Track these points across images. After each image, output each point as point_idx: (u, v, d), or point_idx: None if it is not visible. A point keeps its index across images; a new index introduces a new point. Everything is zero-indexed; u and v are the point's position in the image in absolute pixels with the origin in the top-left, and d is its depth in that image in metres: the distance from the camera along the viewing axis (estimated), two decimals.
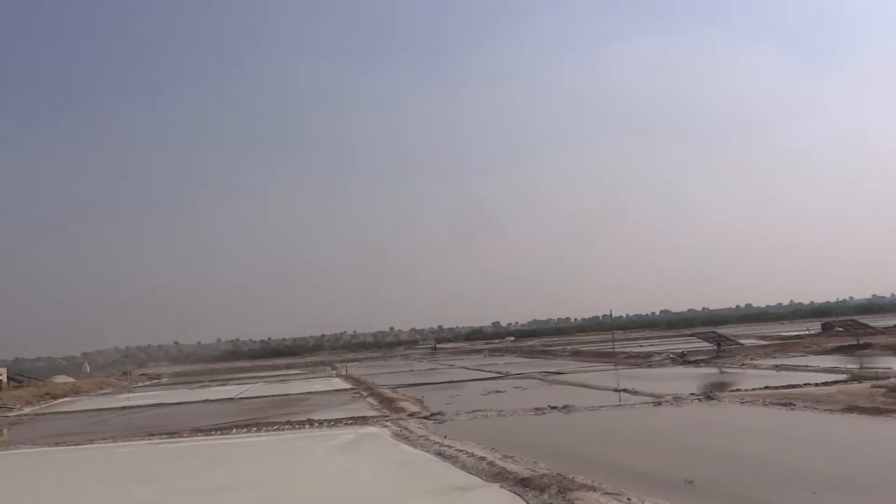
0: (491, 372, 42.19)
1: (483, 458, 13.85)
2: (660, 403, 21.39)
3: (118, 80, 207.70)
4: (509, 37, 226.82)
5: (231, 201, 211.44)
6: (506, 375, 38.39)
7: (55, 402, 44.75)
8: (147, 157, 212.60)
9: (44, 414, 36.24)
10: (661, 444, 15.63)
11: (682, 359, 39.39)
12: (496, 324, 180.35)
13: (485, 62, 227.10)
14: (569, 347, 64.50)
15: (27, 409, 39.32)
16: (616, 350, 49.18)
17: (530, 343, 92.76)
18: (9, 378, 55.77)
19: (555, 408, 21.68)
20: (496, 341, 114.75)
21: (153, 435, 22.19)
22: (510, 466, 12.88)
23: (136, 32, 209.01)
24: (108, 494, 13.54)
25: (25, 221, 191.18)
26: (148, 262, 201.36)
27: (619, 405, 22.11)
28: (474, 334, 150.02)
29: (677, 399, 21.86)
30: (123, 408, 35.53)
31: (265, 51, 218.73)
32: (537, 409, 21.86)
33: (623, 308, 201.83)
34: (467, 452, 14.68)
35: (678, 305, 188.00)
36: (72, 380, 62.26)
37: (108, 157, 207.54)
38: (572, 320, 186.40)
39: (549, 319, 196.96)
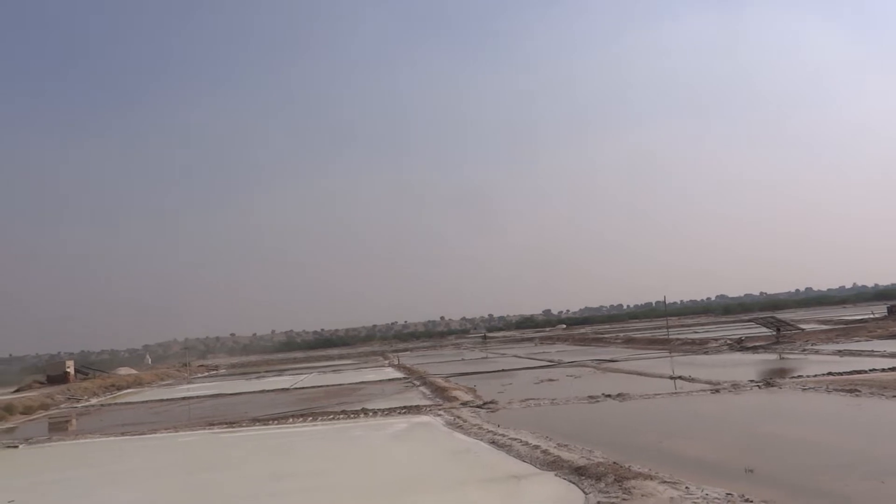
0: (543, 360, 42.01)
1: (537, 447, 13.82)
2: (717, 391, 20.97)
3: (181, 73, 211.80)
4: (562, 16, 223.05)
5: (283, 192, 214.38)
6: (558, 364, 38.17)
7: (119, 393, 46.41)
8: (205, 149, 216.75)
9: (109, 405, 37.59)
10: (720, 432, 15.34)
11: (739, 345, 38.52)
12: (547, 312, 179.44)
13: (539, 43, 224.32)
14: (621, 335, 63.74)
15: (94, 400, 40.87)
16: (670, 337, 48.36)
17: (582, 331, 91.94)
18: (76, 370, 57.91)
19: (609, 396, 21.48)
20: (547, 329, 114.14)
21: (213, 424, 22.81)
22: (565, 455, 12.81)
23: (193, 24, 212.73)
24: (175, 482, 13.98)
25: (90, 218, 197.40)
26: (205, 256, 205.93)
27: (675, 393, 21.75)
28: (525, 322, 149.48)
29: (736, 386, 21.39)
30: (184, 398, 36.60)
31: (315, 39, 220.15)
32: (591, 397, 21.69)
33: (677, 294, 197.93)
34: (521, 441, 14.66)
35: (734, 290, 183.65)
36: (134, 371, 64.27)
37: (169, 150, 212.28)
38: (625, 307, 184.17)
39: (601, 306, 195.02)
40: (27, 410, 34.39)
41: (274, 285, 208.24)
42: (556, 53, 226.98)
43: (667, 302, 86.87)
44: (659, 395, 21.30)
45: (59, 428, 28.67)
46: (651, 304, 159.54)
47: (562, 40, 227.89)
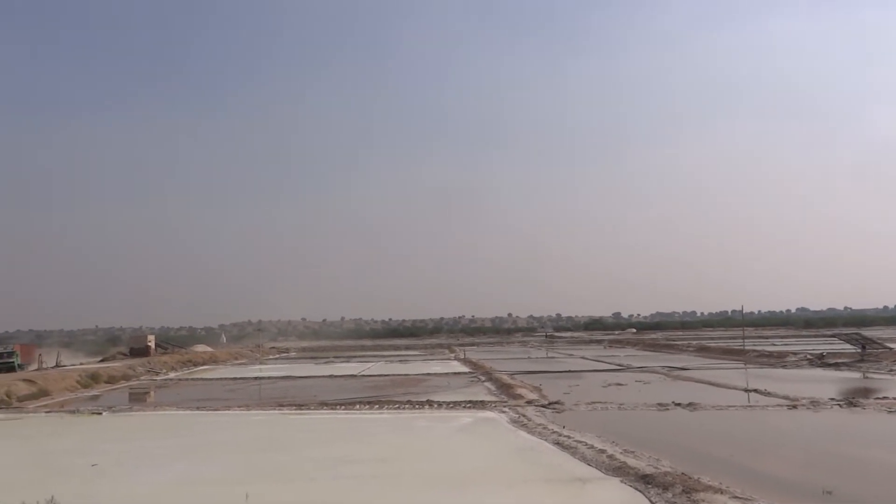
0: (611, 364, 41.36)
1: (603, 451, 13.62)
2: (795, 407, 20.17)
3: (283, 60, 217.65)
4: (657, 10, 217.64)
5: (366, 183, 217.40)
6: (627, 368, 37.51)
7: (196, 368, 48.29)
8: (299, 134, 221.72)
9: (186, 379, 39.18)
10: (796, 449, 14.75)
11: (820, 361, 36.89)
12: (617, 314, 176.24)
13: (635, 38, 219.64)
14: (694, 343, 62.03)
15: (172, 374, 42.67)
16: (746, 348, 46.80)
17: (653, 336, 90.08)
18: (156, 345, 60.57)
19: (679, 404, 20.96)
20: (616, 332, 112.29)
21: (283, 406, 23.44)
22: (631, 461, 12.59)
23: (294, 20, 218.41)
24: (245, 459, 14.44)
25: (185, 197, 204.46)
26: (281, 240, 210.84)
27: (750, 406, 21.06)
28: (593, 324, 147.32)
29: (815, 403, 20.50)
30: (255, 378, 37.77)
31: (410, 33, 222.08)
32: (660, 404, 21.22)
33: (755, 303, 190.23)
34: (586, 444, 14.49)
35: (817, 303, 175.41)
36: (210, 349, 66.69)
37: (266, 134, 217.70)
38: (698, 314, 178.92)
39: (674, 312, 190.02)
40: (111, 380, 36.22)
41: (345, 273, 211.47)
42: (649, 47, 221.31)
43: (744, 311, 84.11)
44: (732, 406, 20.67)
45: (139, 398, 30.06)
46: (727, 312, 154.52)
47: (652, 34, 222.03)
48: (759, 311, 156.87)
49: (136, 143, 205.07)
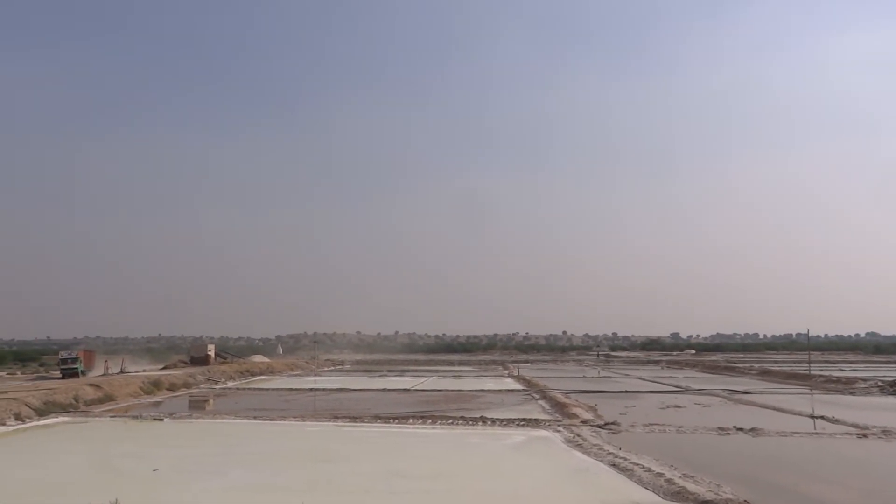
0: (669, 385, 40.38)
1: (661, 475, 13.28)
2: (865, 436, 19.27)
3: (329, 74, 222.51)
4: (717, 27, 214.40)
5: (417, 196, 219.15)
6: (685, 390, 36.54)
7: (253, 378, 49.19)
8: (349, 148, 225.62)
9: (244, 389, 39.91)
10: (867, 480, 14.07)
11: (892, 388, 35.22)
12: (675, 335, 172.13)
13: (689, 54, 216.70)
14: (757, 366, 60.06)
15: (230, 384, 43.57)
16: (812, 372, 45.04)
17: (713, 358, 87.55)
18: (216, 354, 61.93)
19: (741, 429, 20.29)
20: (674, 353, 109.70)
21: (337, 417, 23.64)
22: (691, 486, 12.23)
23: (341, 34, 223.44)
24: (300, 470, 14.62)
25: (239, 208, 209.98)
26: (338, 254, 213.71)
27: (816, 433, 20.22)
28: (651, 344, 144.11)
29: (887, 433, 19.55)
30: (311, 389, 38.21)
31: (456, 45, 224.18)
32: (721, 428, 20.58)
33: (822, 327, 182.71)
34: (643, 467, 14.16)
35: (888, 328, 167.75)
36: (267, 360, 67.79)
37: (315, 147, 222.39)
38: (761, 336, 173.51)
39: (735, 334, 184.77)
40: (172, 387, 37.21)
41: (399, 288, 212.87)
42: (701, 67, 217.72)
43: (810, 335, 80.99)
44: (797, 433, 19.89)
45: (198, 406, 30.75)
46: (791, 335, 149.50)
47: (713, 54, 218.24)
48: (826, 335, 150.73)
49: (195, 155, 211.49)
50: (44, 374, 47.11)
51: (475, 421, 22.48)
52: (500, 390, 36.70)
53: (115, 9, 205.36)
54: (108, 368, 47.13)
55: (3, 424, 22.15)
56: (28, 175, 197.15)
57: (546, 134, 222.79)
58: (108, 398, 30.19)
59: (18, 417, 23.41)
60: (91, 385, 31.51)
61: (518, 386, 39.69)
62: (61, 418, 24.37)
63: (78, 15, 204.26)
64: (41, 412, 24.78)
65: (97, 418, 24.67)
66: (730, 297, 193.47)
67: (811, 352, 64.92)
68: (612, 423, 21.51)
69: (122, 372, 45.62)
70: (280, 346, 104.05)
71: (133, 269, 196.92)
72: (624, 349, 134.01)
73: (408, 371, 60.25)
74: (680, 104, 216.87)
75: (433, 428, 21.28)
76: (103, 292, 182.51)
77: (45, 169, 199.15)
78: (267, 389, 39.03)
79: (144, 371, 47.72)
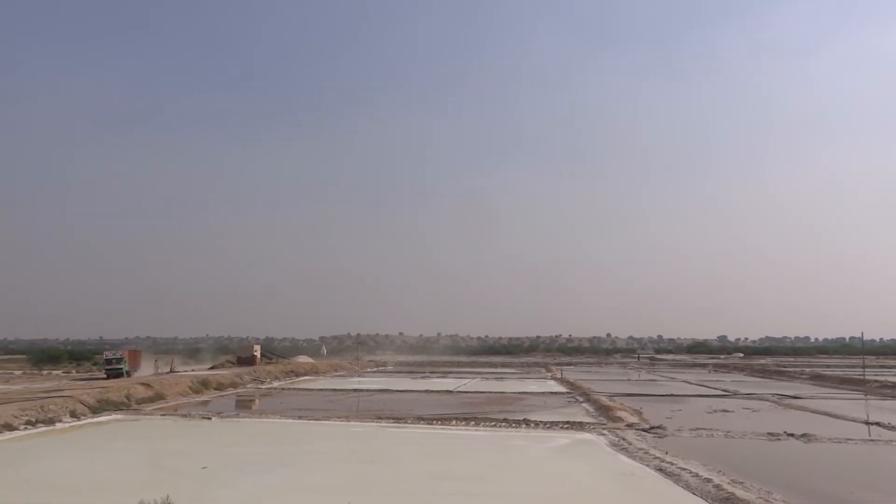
0: (716, 389, 39.61)
1: (709, 480, 13.04)
2: None
3: (351, 87, 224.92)
4: (744, 30, 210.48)
5: (448, 199, 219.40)
6: (734, 394, 35.80)
7: (298, 379, 49.84)
8: (384, 151, 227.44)
9: (289, 389, 40.46)
10: None
11: None
12: (722, 338, 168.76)
13: (721, 56, 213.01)
14: (808, 370, 58.54)
15: (276, 384, 44.21)
16: (867, 377, 43.65)
17: (762, 361, 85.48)
18: (262, 355, 62.88)
19: (791, 435, 19.79)
20: (722, 356, 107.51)
21: (381, 418, 23.81)
22: (740, 493, 11.98)
23: (365, 41, 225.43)
24: (345, 469, 14.76)
25: (282, 215, 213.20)
26: (381, 255, 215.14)
27: (871, 440, 19.60)
28: (697, 347, 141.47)
29: None
30: (354, 390, 38.52)
31: (489, 50, 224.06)
32: (771, 434, 20.10)
33: (876, 330, 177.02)
34: (691, 472, 13.93)
35: None
36: (311, 360, 68.55)
37: (337, 153, 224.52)
38: (812, 340, 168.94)
39: (785, 337, 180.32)
40: (219, 387, 37.94)
41: (442, 290, 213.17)
42: (738, 68, 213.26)
43: (864, 338, 78.49)
44: (851, 440, 19.30)
45: (245, 406, 31.27)
46: (844, 339, 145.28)
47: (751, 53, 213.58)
48: (881, 339, 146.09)
49: (241, 158, 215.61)
50: (95, 374, 48.08)
51: (518, 423, 22.40)
52: (543, 393, 36.48)
53: (140, 14, 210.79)
54: (158, 368, 48.27)
55: (60, 421, 22.89)
56: (77, 179, 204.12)
57: (579, 135, 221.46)
58: (159, 397, 30.94)
59: (74, 415, 24.16)
60: (142, 384, 32.32)
61: (561, 388, 39.39)
62: (114, 416, 25.07)
63: (104, 20, 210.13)
64: (95, 410, 25.53)
65: (148, 416, 25.31)
66: (779, 300, 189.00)
67: (865, 356, 62.85)
68: (658, 427, 21.20)
69: (171, 371, 46.65)
70: (324, 347, 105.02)
71: (181, 271, 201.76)
72: (669, 352, 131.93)
73: (450, 373, 60.31)
74: (715, 105, 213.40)
75: (476, 430, 21.27)
76: (154, 294, 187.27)
77: (92, 173, 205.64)
78: (311, 390, 39.49)
79: (193, 371, 48.76)
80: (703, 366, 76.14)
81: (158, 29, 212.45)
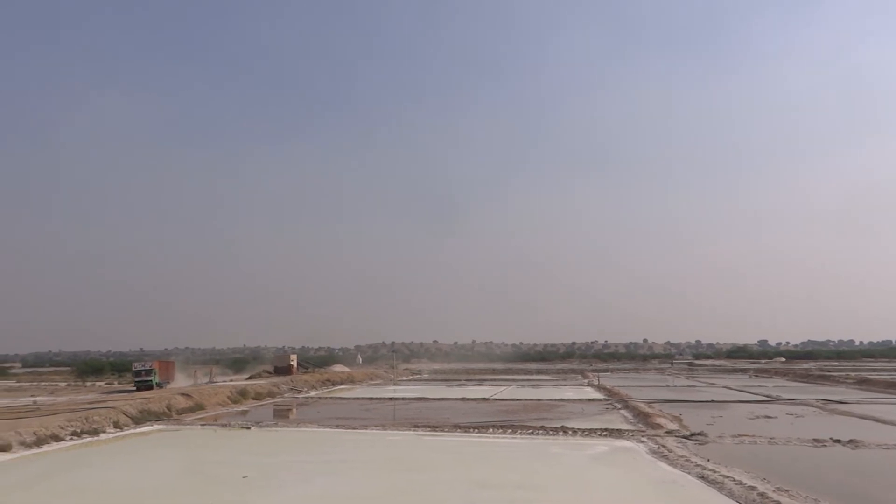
0: (758, 394, 38.82)
1: (753, 488, 12.78)
2: None
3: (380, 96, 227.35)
4: (784, 27, 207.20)
5: (489, 210, 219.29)
6: (776, 400, 35.05)
7: (334, 388, 50.15)
8: (412, 164, 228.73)
9: (325, 398, 40.73)
10: None
11: None
12: (763, 342, 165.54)
13: (753, 54, 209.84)
14: (853, 374, 57.04)
15: (312, 393, 44.54)
16: None
17: (805, 366, 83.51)
18: (298, 364, 63.43)
19: (838, 441, 19.30)
20: (763, 361, 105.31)
21: (418, 427, 23.82)
22: (785, 501, 11.72)
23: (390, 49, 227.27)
24: (384, 479, 14.79)
25: (324, 224, 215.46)
26: (415, 264, 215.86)
27: None
28: (737, 352, 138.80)
29: None
30: (390, 399, 38.62)
31: (513, 54, 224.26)
32: (816, 440, 19.63)
33: None
34: (734, 479, 13.66)
35: None
36: (347, 369, 68.97)
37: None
38: (857, 343, 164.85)
39: (828, 341, 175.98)
40: (257, 396, 38.35)
41: (474, 298, 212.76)
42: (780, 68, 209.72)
43: None
44: None
45: (282, 415, 31.57)
46: (890, 342, 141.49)
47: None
48: None
49: (274, 168, 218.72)
50: (129, 387, 47.90)
51: (556, 430, 22.23)
52: (579, 399, 36.17)
53: (188, 28, 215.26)
54: (197, 378, 48.97)
55: (104, 432, 23.36)
56: (121, 190, 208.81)
57: (607, 138, 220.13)
58: (199, 407, 31.39)
59: (117, 425, 24.63)
60: (182, 394, 32.82)
61: (598, 395, 39.00)
62: (156, 426, 25.49)
63: (164, 35, 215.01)
64: (138, 420, 26.00)
65: (189, 426, 25.68)
66: (822, 303, 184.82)
67: None
68: (699, 434, 20.85)
69: (210, 382, 47.30)
70: (359, 356, 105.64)
71: (217, 283, 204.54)
72: (708, 357, 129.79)
73: (486, 380, 60.11)
74: (747, 106, 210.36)
75: (513, 437, 21.16)
76: (192, 306, 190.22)
77: (135, 186, 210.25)
78: (348, 399, 39.70)
79: (231, 381, 49.39)
80: (744, 371, 74.72)
81: (203, 42, 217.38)
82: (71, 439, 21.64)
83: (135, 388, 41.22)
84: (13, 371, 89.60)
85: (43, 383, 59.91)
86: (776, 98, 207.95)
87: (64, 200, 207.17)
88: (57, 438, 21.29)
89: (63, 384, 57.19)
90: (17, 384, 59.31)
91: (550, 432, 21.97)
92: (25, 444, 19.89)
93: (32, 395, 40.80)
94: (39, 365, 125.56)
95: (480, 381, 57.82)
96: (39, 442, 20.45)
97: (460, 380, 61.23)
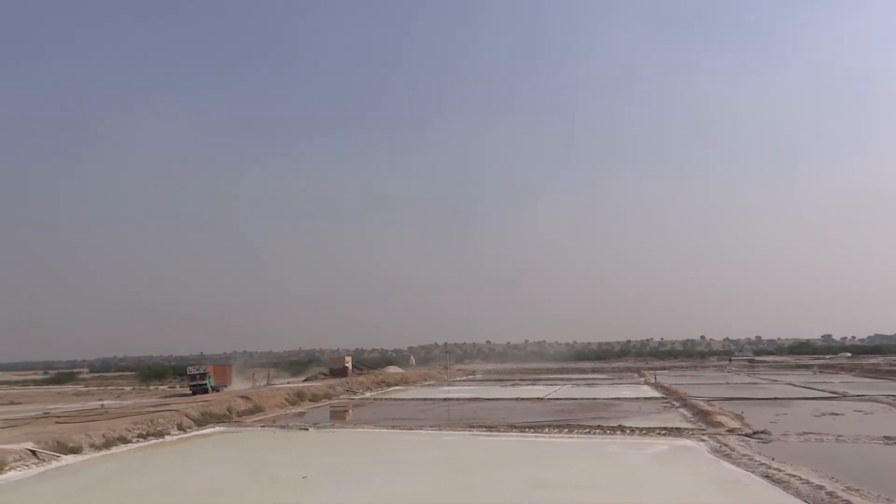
0: (823, 391, 37.56)
1: (821, 487, 12.37)
2: None
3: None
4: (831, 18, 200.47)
5: (510, 205, 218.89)
6: (843, 396, 33.86)
7: (388, 389, 50.54)
8: (472, 161, 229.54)
9: (380, 399, 41.07)
10: None
11: None
12: (827, 337, 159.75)
13: (805, 44, 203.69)
14: None
15: (367, 394, 44.98)
16: None
17: (873, 361, 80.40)
18: (353, 366, 64.13)
19: None
20: (827, 357, 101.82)
21: (473, 427, 23.80)
22: (856, 500, 11.32)
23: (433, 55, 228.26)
24: (441, 479, 14.84)
25: (377, 227, 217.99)
26: (466, 265, 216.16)
27: None
28: (800, 347, 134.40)
29: None
30: (444, 399, 38.69)
31: (548, 51, 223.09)
32: (887, 437, 18.89)
33: None
34: (800, 478, 13.25)
35: None
36: (401, 370, 69.34)
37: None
38: None
39: None
40: (314, 398, 38.93)
41: (528, 297, 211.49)
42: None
43: None
44: None
45: (339, 416, 31.96)
46: None
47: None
48: None
49: (333, 170, 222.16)
50: (180, 391, 47.46)
51: (613, 430, 21.94)
52: (636, 398, 35.61)
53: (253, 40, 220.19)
54: (255, 381, 49.97)
55: (168, 434, 24.06)
56: (173, 199, 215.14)
57: (665, 132, 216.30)
58: (258, 409, 32.04)
59: (180, 428, 25.33)
60: (242, 397, 33.56)
61: (656, 393, 38.33)
62: (217, 428, 26.12)
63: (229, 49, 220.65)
64: (200, 423, 26.68)
65: (249, 428, 26.23)
66: (888, 295, 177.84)
67: None
68: (762, 432, 20.30)
69: (268, 384, 48.20)
70: (412, 357, 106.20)
71: (273, 285, 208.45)
72: (770, 353, 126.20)
73: (540, 380, 59.71)
74: (805, 95, 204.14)
75: (570, 437, 20.96)
76: (249, 309, 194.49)
77: (187, 192, 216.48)
78: (402, 400, 39.93)
79: (288, 383, 50.24)
80: (808, 367, 72.39)
81: (265, 54, 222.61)
82: (137, 441, 22.35)
83: (190, 392, 41.79)
84: (82, 376, 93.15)
85: (109, 387, 62.11)
86: (836, 88, 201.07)
87: (122, 209, 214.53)
88: (124, 440, 22.02)
89: (128, 388, 59.14)
90: (86, 389, 61.60)
91: (608, 431, 21.69)
92: (95, 446, 20.62)
93: (100, 399, 42.31)
94: (106, 370, 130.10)
95: (534, 381, 57.47)
96: (108, 444, 21.18)
97: (514, 380, 61.01)
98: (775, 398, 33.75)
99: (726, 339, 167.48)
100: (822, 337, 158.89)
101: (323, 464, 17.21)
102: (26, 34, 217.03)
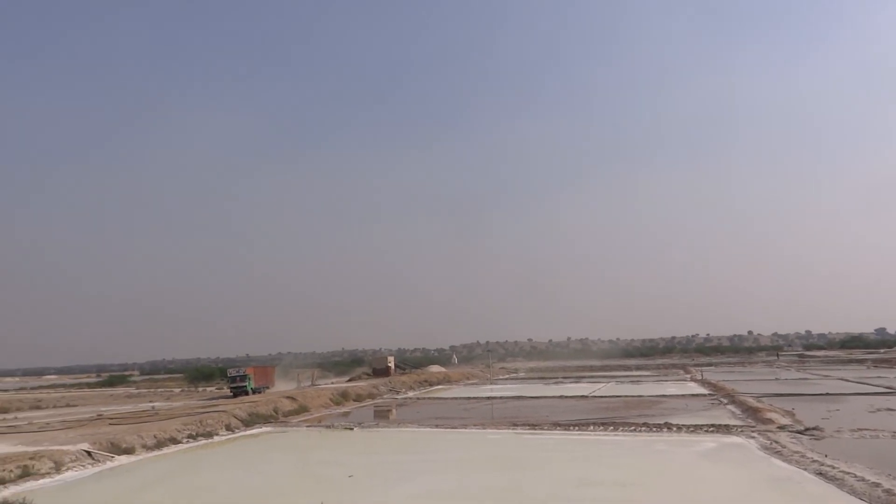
0: (878, 386, 36.44)
1: (877, 485, 12.02)
2: None
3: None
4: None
5: (550, 202, 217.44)
6: None
7: (431, 388, 50.68)
8: (507, 159, 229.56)
9: (423, 398, 41.22)
10: None
11: None
12: (881, 330, 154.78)
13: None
14: None
15: (410, 393, 45.19)
16: None
17: None
18: (395, 366, 64.50)
19: None
20: (882, 351, 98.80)
21: (517, 425, 23.74)
22: None
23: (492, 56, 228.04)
24: (485, 476, 14.83)
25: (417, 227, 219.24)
26: (509, 263, 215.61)
27: None
28: (852, 342, 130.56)
29: None
30: (487, 398, 38.67)
31: (630, 40, 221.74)
32: None
33: None
34: (855, 475, 12.88)
35: None
36: (443, 369, 69.46)
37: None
38: None
39: None
40: (358, 398, 39.28)
41: (569, 294, 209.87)
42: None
43: None
44: None
45: (383, 415, 32.17)
46: None
47: None
48: None
49: (379, 173, 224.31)
50: (226, 393, 46.58)
51: (660, 427, 21.65)
52: (683, 395, 35.06)
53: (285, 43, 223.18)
54: (300, 381, 50.62)
55: (217, 434, 24.54)
56: (232, 206, 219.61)
57: (727, 124, 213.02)
58: (303, 409, 32.45)
59: (229, 428, 25.81)
60: (287, 397, 34.04)
61: (703, 390, 37.69)
62: (264, 428, 26.55)
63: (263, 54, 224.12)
64: (247, 423, 27.14)
65: (295, 428, 26.59)
66: None
67: None
68: (814, 429, 19.80)
69: (313, 385, 48.77)
70: (454, 356, 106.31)
71: (315, 288, 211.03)
72: (821, 348, 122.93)
73: (583, 377, 59.19)
74: (850, 87, 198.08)
75: (615, 435, 20.75)
76: (294, 311, 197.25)
77: (252, 199, 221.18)
78: (445, 398, 40.01)
79: (332, 383, 50.79)
80: (861, 362, 70.34)
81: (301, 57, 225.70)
82: (187, 442, 22.85)
83: (231, 395, 41.76)
84: (132, 379, 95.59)
85: (159, 389, 63.64)
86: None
87: (169, 217, 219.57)
88: (175, 441, 22.52)
89: (177, 390, 60.49)
90: (137, 391, 63.25)
91: (654, 429, 21.42)
92: (147, 447, 21.15)
93: (151, 401, 43.35)
94: (155, 372, 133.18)
95: (578, 379, 57.00)
96: (159, 445, 21.70)
97: (557, 377, 60.60)
98: (827, 394, 32.87)
99: (774, 333, 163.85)
100: (876, 330, 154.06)
101: (368, 462, 17.36)
102: (52, 38, 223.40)
